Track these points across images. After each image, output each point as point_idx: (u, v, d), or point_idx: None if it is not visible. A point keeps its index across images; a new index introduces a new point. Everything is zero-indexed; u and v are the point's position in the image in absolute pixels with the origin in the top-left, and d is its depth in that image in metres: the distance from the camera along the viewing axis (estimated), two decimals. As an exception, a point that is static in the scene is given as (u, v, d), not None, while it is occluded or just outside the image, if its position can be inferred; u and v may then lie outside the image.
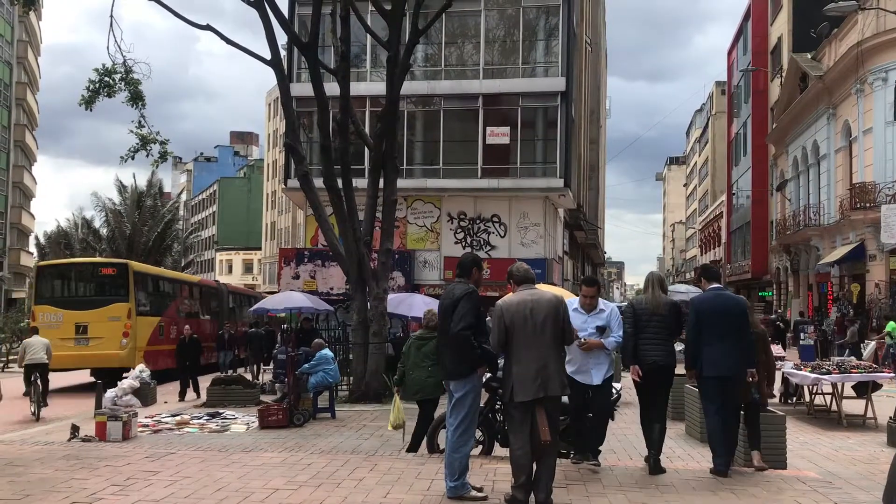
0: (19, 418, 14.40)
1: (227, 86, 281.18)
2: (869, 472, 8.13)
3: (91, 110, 14.40)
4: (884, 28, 25.49)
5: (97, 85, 14.20)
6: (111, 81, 14.23)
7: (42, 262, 25.54)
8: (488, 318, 6.52)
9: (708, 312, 7.37)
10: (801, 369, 12.58)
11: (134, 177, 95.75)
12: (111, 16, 14.19)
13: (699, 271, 12.65)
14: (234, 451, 8.98)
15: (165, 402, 16.05)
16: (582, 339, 7.11)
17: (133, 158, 14.64)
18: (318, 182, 16.40)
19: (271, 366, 21.21)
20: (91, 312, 19.87)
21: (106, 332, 19.59)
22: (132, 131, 14.44)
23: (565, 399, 6.83)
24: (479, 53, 27.07)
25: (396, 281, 24.16)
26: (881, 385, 12.98)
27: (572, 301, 7.59)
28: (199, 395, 16.50)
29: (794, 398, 14.01)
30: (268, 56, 15.79)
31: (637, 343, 7.37)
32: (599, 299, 7.63)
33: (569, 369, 6.88)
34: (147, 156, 14.66)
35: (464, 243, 26.33)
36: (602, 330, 7.36)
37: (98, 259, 31.47)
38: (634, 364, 7.36)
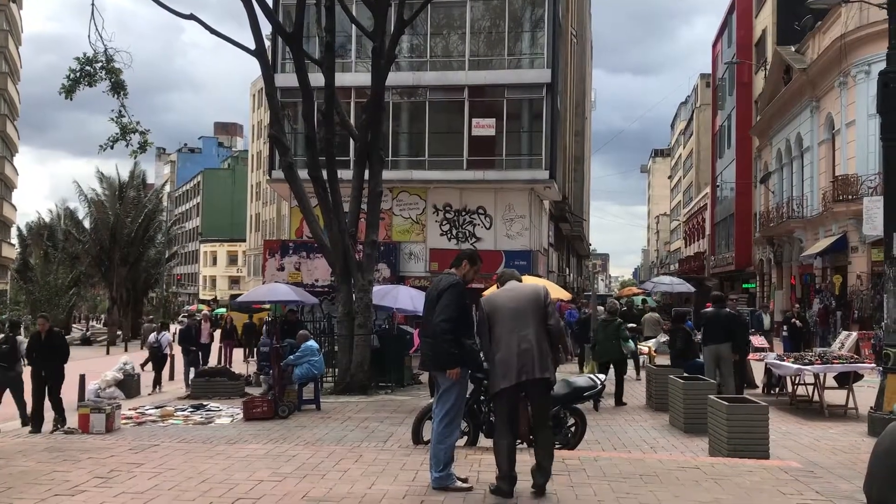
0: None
1: (212, 77, 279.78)
2: (850, 461, 8.22)
3: (71, 99, 14.20)
4: (867, 21, 25.61)
5: (78, 74, 14.02)
6: (92, 70, 14.05)
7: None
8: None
9: None
10: (783, 360, 12.69)
11: (117, 167, 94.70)
12: (92, 4, 14.02)
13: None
14: (219, 443, 8.95)
15: (149, 394, 15.99)
16: None
17: (112, 148, 14.44)
18: (303, 173, 16.31)
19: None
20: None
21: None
22: (112, 120, 14.28)
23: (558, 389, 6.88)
24: (465, 44, 27.00)
25: (382, 273, 24.12)
26: (862, 375, 13.12)
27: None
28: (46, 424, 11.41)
29: (777, 389, 14.14)
30: (252, 46, 15.67)
31: None
32: None
33: None
34: (127, 146, 14.48)
35: (449, 235, 26.31)
36: None
37: None
38: None
